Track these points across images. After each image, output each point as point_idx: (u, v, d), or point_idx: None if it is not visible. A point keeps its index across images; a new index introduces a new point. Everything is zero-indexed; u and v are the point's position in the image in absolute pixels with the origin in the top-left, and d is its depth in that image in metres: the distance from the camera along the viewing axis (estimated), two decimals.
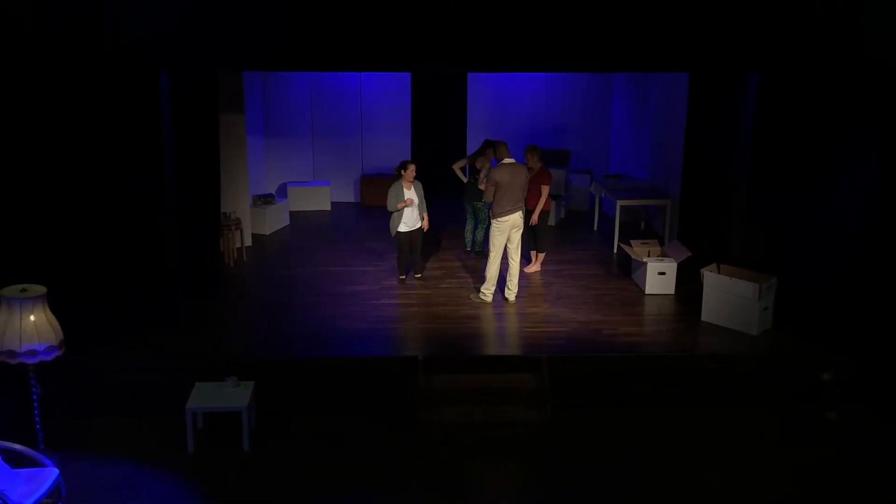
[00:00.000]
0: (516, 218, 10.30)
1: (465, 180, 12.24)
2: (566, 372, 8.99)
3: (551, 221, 13.28)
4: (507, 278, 10.60)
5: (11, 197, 9.21)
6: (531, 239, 11.52)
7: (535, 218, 11.23)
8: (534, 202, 11.23)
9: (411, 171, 10.90)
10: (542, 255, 11.65)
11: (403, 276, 11.29)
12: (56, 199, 9.27)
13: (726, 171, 10.92)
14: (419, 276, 11.32)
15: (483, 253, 11.72)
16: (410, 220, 11.01)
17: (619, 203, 12.68)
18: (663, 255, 11.22)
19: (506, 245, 10.42)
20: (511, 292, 10.60)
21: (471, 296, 10.69)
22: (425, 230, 11.18)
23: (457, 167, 12.30)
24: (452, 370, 9.03)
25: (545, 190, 11.21)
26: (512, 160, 10.36)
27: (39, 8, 8.73)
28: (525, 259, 11.67)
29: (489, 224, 10.78)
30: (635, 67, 11.35)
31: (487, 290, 10.54)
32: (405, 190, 10.89)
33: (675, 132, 12.18)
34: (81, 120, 9.11)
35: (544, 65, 10.71)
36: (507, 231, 10.30)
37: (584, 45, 9.54)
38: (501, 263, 10.53)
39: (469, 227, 12.38)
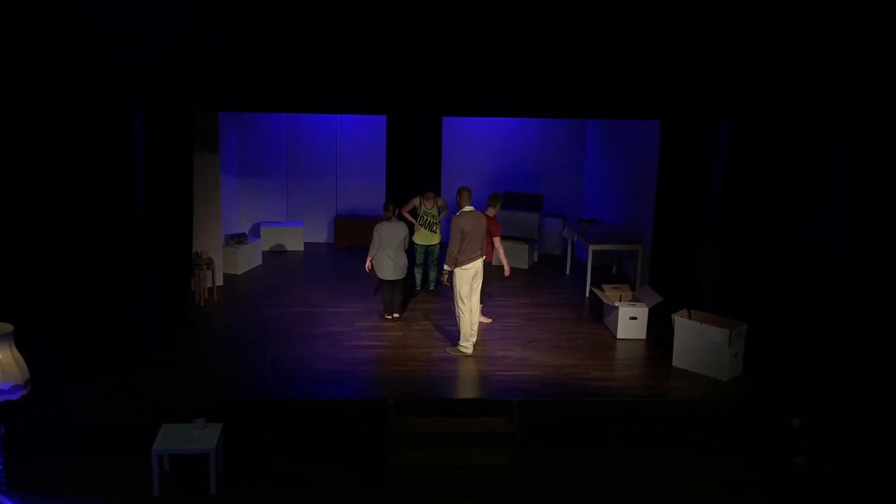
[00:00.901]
0: (479, 265, 10.35)
1: (415, 223, 12.21)
2: (538, 416, 8.96)
3: (521, 265, 13.38)
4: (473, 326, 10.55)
5: None
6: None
7: (507, 270, 11.16)
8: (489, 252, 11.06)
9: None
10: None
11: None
12: (25, 235, 9.18)
13: (697, 216, 11.03)
14: (397, 315, 11.38)
15: (436, 290, 12.17)
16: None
17: (591, 247, 12.75)
18: (635, 299, 11.28)
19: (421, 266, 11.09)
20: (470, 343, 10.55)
21: (448, 349, 10.52)
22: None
23: (405, 211, 12.06)
24: (423, 413, 8.98)
25: (497, 241, 11.05)
26: (472, 208, 10.43)
27: (19, 36, 8.73)
28: (496, 309, 11.68)
29: (440, 262, 11.20)
30: (607, 114, 11.53)
31: (467, 343, 10.40)
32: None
33: (646, 177, 12.31)
34: (54, 156, 9.06)
35: (518, 110, 10.86)
36: (470, 279, 10.28)
37: (557, 91, 9.69)
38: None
39: (419, 267, 12.32)
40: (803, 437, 8.78)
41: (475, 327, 10.44)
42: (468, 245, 10.20)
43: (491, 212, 11.16)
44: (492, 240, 10.99)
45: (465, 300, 10.27)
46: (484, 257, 10.46)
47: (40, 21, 8.75)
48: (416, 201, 12.03)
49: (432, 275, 12.44)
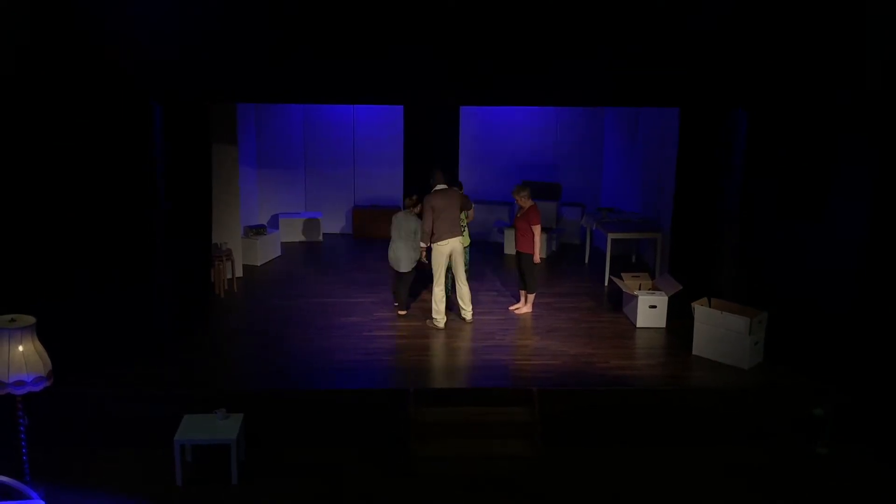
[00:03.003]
0: (455, 243, 10.61)
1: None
2: (557, 405, 8.95)
3: (543, 254, 13.32)
4: (459, 302, 10.92)
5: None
6: (519, 279, 11.50)
7: (536, 258, 11.16)
8: (527, 243, 11.15)
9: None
10: (532, 296, 11.46)
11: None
12: (47, 229, 9.24)
13: (717, 204, 10.96)
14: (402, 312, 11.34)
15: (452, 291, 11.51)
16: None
17: (611, 236, 12.71)
18: (654, 288, 11.24)
19: (450, 269, 10.81)
20: (466, 311, 10.96)
21: (427, 321, 10.86)
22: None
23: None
24: (443, 403, 8.99)
25: (536, 230, 11.08)
26: (444, 186, 10.71)
27: (39, 35, 8.77)
28: (514, 299, 11.69)
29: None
30: (627, 102, 11.44)
31: (438, 317, 10.77)
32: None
33: (666, 166, 12.24)
34: (75, 152, 9.11)
35: (536, 98, 10.79)
36: (446, 255, 10.61)
37: (576, 79, 9.63)
38: (455, 288, 11.02)
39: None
40: (825, 426, 8.73)
41: (466, 300, 10.83)
42: (441, 222, 10.51)
43: (521, 202, 11.15)
44: (531, 229, 11.06)
45: (437, 276, 10.66)
46: (461, 237, 10.71)
47: (63, 23, 8.79)
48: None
49: (466, 293, 11.09)
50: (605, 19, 9.32)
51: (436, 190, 10.68)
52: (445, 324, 10.81)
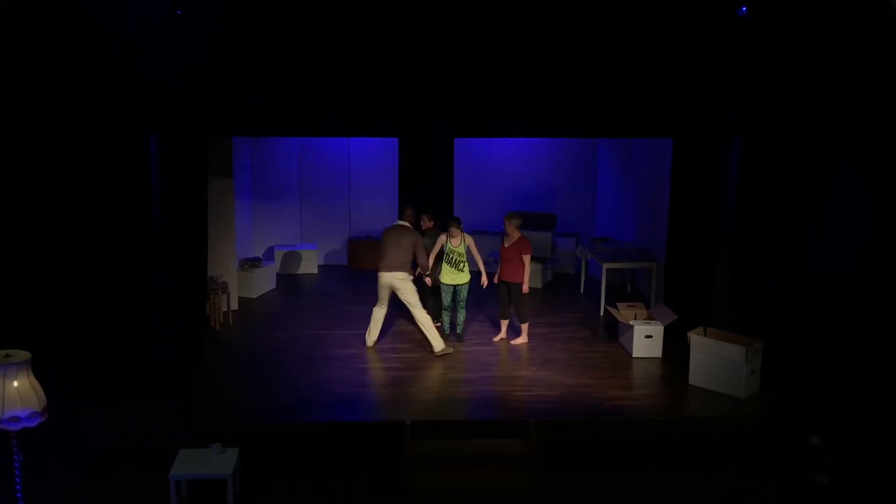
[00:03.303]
0: (388, 279, 10.90)
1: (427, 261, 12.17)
2: (555, 436, 8.93)
3: (536, 284, 13.33)
4: (423, 330, 11.01)
5: None
6: (502, 309, 11.46)
7: (525, 287, 11.15)
8: (517, 273, 11.11)
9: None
10: (525, 326, 11.40)
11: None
12: (41, 259, 9.23)
13: (712, 233, 11.01)
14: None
15: (461, 337, 11.51)
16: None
17: (605, 266, 12.74)
18: (650, 317, 11.25)
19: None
20: (436, 340, 10.97)
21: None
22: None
23: (433, 257, 11.54)
24: (440, 435, 8.96)
25: (527, 259, 11.07)
26: (401, 223, 11.07)
27: (38, 67, 8.83)
28: (512, 329, 11.68)
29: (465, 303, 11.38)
30: (620, 133, 11.53)
31: (368, 336, 11.21)
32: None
33: (660, 195, 12.31)
34: (70, 183, 9.13)
35: (529, 130, 10.88)
36: (384, 287, 10.98)
37: (569, 110, 9.71)
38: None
39: (446, 310, 11.59)
40: (823, 455, 8.71)
41: (427, 330, 10.94)
42: (384, 254, 10.94)
43: (510, 230, 11.09)
44: (522, 257, 11.07)
45: (378, 301, 11.07)
46: (397, 274, 10.87)
47: (61, 51, 8.85)
48: (443, 239, 11.22)
49: (461, 317, 11.48)
50: (598, 51, 9.43)
51: (391, 226, 11.09)
52: (442, 355, 10.84)
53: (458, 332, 11.54)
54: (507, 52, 9.38)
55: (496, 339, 11.50)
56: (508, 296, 11.29)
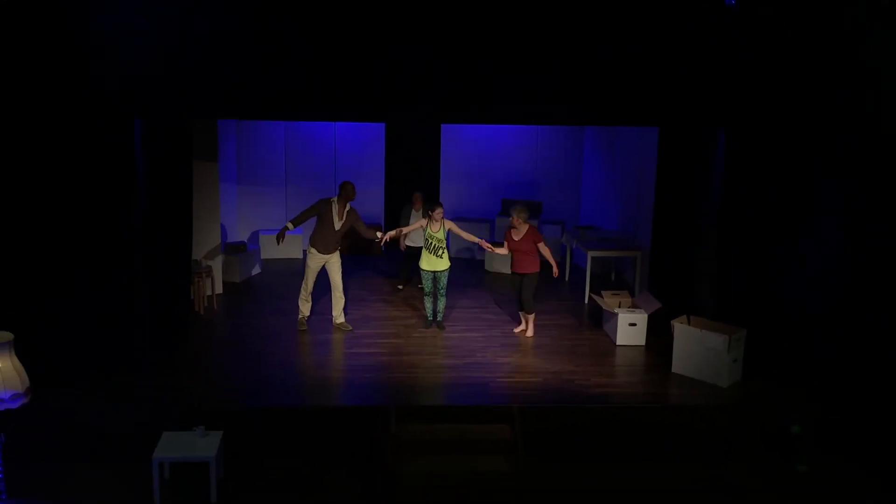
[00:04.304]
0: (325, 258, 11.11)
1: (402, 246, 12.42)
2: (538, 422, 8.97)
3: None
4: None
5: None
6: (518, 302, 11.33)
7: (556, 270, 11.22)
8: (530, 264, 11.01)
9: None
10: (531, 316, 11.27)
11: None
12: (25, 244, 9.18)
13: (696, 222, 11.05)
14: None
15: (442, 325, 11.42)
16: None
17: (590, 254, 12.78)
18: (634, 306, 11.30)
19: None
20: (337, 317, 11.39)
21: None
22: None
23: (406, 231, 11.73)
24: (425, 420, 8.99)
25: (543, 247, 10.97)
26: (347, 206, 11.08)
27: (22, 55, 8.77)
28: (495, 316, 11.67)
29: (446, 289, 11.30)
30: (606, 121, 11.53)
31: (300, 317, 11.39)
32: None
33: (645, 184, 12.34)
34: (55, 168, 9.08)
35: (516, 117, 10.85)
36: (314, 263, 11.14)
37: (555, 97, 9.71)
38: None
39: (428, 296, 11.44)
40: (803, 443, 8.78)
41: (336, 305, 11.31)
42: (319, 232, 11.03)
43: (516, 223, 10.96)
44: (537, 246, 11.01)
45: (307, 277, 11.22)
46: (330, 253, 11.03)
47: (41, 37, 8.78)
48: (423, 223, 11.21)
49: (441, 304, 11.37)
50: (586, 38, 9.43)
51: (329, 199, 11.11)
52: (426, 341, 10.88)
53: (438, 319, 11.47)
54: (492, 38, 9.35)
55: (516, 330, 11.39)
56: (521, 286, 11.20)
